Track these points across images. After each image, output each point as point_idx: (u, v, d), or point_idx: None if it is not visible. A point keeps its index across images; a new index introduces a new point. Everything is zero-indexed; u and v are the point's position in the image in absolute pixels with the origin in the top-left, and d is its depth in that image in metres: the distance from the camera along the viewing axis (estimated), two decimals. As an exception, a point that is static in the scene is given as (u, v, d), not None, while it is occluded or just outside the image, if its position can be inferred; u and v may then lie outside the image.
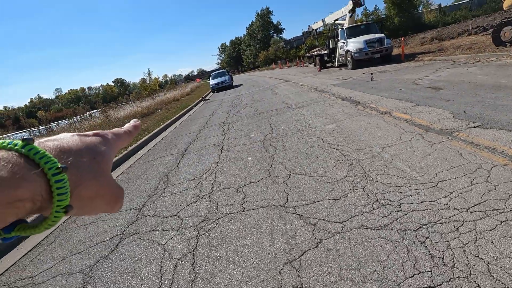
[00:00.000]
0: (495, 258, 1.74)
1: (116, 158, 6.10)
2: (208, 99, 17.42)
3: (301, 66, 29.23)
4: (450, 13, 32.46)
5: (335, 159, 3.72)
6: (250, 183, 3.63)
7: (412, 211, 2.35)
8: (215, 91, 21.73)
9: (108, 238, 3.12)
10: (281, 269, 2.05)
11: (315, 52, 20.38)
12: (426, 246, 1.95)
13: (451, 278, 1.68)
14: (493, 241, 1.86)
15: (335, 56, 16.63)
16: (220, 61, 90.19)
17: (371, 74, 9.78)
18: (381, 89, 7.56)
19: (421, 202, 2.44)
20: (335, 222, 2.44)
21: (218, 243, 2.54)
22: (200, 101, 16.96)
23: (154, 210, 3.50)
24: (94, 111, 24.87)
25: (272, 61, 52.25)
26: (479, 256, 1.78)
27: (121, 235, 3.12)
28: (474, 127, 3.72)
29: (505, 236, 1.88)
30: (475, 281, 1.62)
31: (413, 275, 1.76)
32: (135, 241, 2.92)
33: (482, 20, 17.59)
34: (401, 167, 3.10)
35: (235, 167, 4.32)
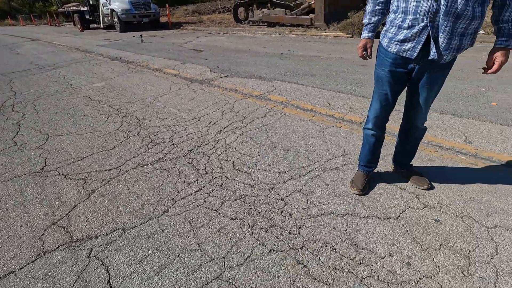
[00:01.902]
0: (237, 157, 2.33)
1: None
2: None
3: (56, 25, 23.31)
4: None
5: (107, 114, 3.40)
6: (-20, 159, 2.58)
7: (182, 142, 2.63)
8: None
9: None
10: (42, 234, 1.67)
11: (72, 8, 16.84)
12: (193, 165, 2.27)
13: (211, 179, 2.07)
14: (236, 147, 2.47)
15: (99, 15, 14.59)
16: None
17: (141, 36, 9.53)
18: (151, 50, 7.58)
19: (188, 134, 2.77)
20: (109, 170, 2.27)
21: None
22: None
23: None
24: None
25: (6, 14, 37.75)
26: (228, 160, 2.31)
27: None
28: (224, 76, 4.64)
29: (242, 142, 2.54)
30: (226, 176, 2.10)
31: (184, 187, 2.01)
32: None
33: (227, 2, 21.72)
34: (172, 111, 3.34)
35: (-52, 145, 2.89)
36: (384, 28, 1.49)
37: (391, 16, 1.44)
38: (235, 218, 1.69)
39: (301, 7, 9.76)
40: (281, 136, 2.59)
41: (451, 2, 1.21)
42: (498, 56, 1.33)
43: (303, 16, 9.72)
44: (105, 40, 10.45)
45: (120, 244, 1.56)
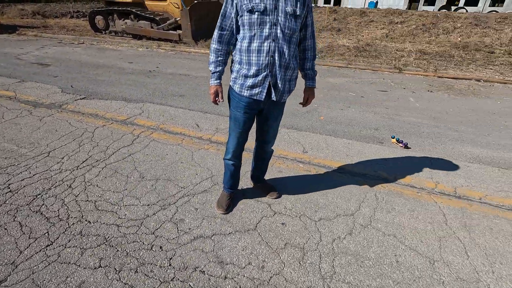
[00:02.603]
0: (100, 195, 2.15)
1: None
2: None
3: None
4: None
5: None
6: None
7: (24, 187, 2.20)
8: None
9: None
10: None
11: None
12: (41, 213, 1.95)
13: (67, 227, 1.84)
14: (98, 184, 2.28)
15: None
16: None
17: (-51, 41, 7.13)
18: (-31, 62, 5.82)
19: (34, 175, 2.34)
20: None
21: None
22: None
23: None
24: None
25: None
26: (88, 200, 2.10)
27: None
28: (81, 99, 4.11)
29: (105, 177, 2.36)
30: (86, 219, 1.91)
31: (29, 244, 1.70)
32: None
33: (81, 6, 19.00)
34: (7, 147, 2.72)
35: None
36: (233, 76, 1.72)
37: (236, 66, 1.68)
38: (99, 267, 1.58)
39: (168, 22, 9.70)
40: (149, 165, 2.56)
41: (281, 58, 1.60)
42: (310, 94, 1.85)
43: (171, 32, 9.70)
44: None
45: None
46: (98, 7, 11.08)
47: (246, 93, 1.69)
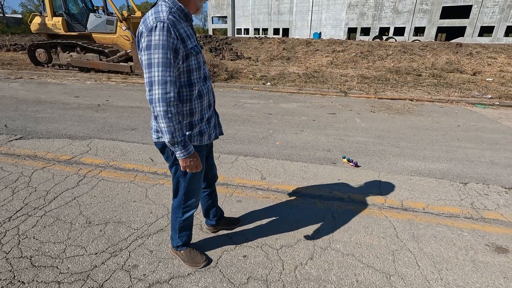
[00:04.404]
0: (37, 248, 1.90)
1: None
2: None
3: None
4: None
5: None
6: None
7: None
8: None
9: None
10: None
11: None
12: (-40, 279, 1.65)
13: (-7, 293, 1.57)
14: (35, 235, 2.02)
15: None
16: None
17: None
18: None
19: (-48, 233, 2.00)
20: None
21: None
22: None
23: None
24: None
25: None
26: (23, 256, 1.84)
27: None
28: (16, 139, 3.72)
29: (44, 227, 2.11)
30: (19, 280, 1.66)
31: None
32: None
33: (20, 38, 17.78)
34: None
35: None
36: (189, 133, 1.51)
37: (187, 119, 1.50)
38: (35, 336, 1.36)
39: (118, 54, 9.47)
40: (98, 207, 2.35)
41: (213, 94, 1.63)
42: None
43: (121, 63, 9.46)
44: None
45: None
46: (39, 40, 10.46)
47: (206, 141, 1.60)
